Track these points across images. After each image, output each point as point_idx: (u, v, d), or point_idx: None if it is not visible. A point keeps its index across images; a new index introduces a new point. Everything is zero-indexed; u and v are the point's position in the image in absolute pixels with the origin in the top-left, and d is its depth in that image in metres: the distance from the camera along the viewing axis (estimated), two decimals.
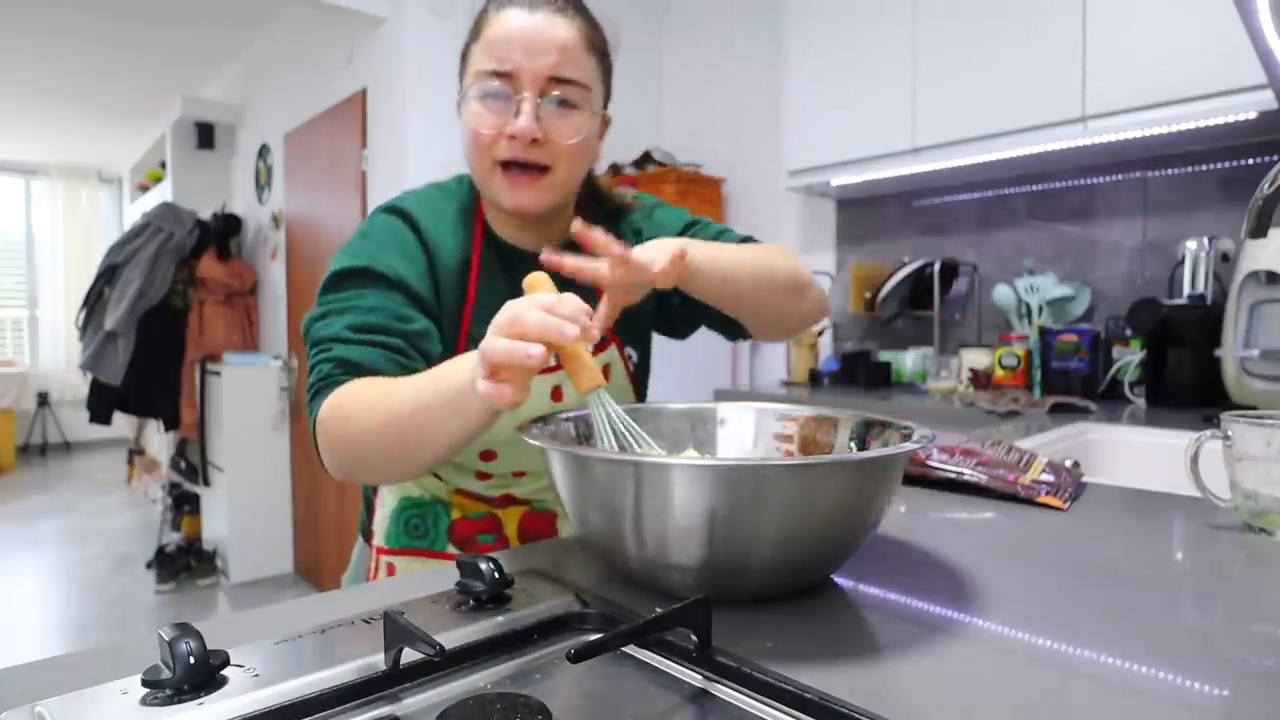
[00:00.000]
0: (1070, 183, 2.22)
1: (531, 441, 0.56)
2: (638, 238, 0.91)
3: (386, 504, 0.93)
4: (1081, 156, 2.07)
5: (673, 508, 0.49)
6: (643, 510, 0.50)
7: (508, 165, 0.77)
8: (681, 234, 0.92)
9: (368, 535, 0.97)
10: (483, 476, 0.88)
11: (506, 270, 0.84)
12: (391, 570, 0.91)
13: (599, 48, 0.81)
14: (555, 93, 0.76)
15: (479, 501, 0.91)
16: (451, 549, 0.91)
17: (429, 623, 0.44)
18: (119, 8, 3.62)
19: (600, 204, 0.93)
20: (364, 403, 0.66)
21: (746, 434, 0.73)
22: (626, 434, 0.61)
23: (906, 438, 0.60)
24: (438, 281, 0.80)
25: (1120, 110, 1.78)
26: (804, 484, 0.49)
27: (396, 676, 0.40)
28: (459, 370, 0.60)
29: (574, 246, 0.86)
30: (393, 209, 0.83)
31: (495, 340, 0.53)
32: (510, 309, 0.54)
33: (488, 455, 0.85)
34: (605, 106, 0.84)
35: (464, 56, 0.81)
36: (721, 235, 0.94)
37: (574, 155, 0.79)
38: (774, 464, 0.50)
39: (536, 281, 0.61)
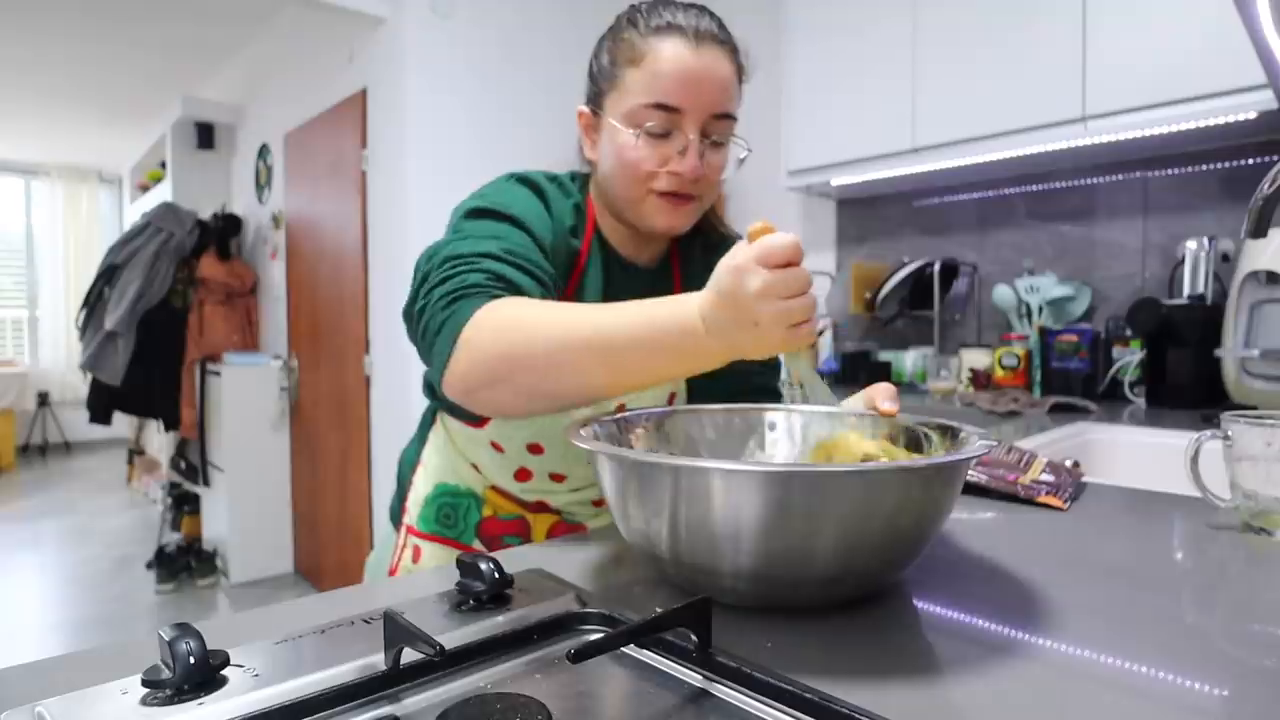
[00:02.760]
0: (1070, 183, 2.22)
1: (581, 444, 0.55)
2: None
3: (421, 489, 0.95)
4: (1081, 156, 2.07)
5: (731, 515, 0.47)
6: (694, 517, 0.48)
7: (663, 193, 0.79)
8: None
9: (398, 517, 0.98)
10: (522, 477, 0.88)
11: (607, 275, 0.86)
12: (418, 553, 0.93)
13: (743, 76, 0.83)
14: (714, 134, 0.78)
15: (512, 503, 0.92)
16: (478, 544, 0.91)
17: (429, 623, 0.44)
18: (119, 8, 3.62)
19: (701, 231, 0.95)
20: (540, 316, 0.63)
21: (795, 438, 0.71)
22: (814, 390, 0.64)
23: (945, 430, 0.61)
24: (554, 261, 0.81)
25: (1120, 110, 1.78)
26: (869, 489, 0.47)
27: (396, 676, 0.40)
28: (680, 312, 0.59)
29: (669, 263, 0.92)
30: (526, 180, 0.82)
31: (788, 304, 0.54)
32: (789, 280, 0.54)
33: (535, 448, 0.85)
34: None
35: (608, 74, 0.80)
36: None
37: (717, 184, 0.83)
38: (836, 470, 0.49)
39: (766, 230, 0.58)
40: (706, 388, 0.89)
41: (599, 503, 0.93)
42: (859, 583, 0.52)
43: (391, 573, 0.95)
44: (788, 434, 0.72)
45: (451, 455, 0.93)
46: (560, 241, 0.81)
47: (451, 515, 0.92)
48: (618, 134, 0.78)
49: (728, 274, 0.56)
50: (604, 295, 0.85)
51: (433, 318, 0.68)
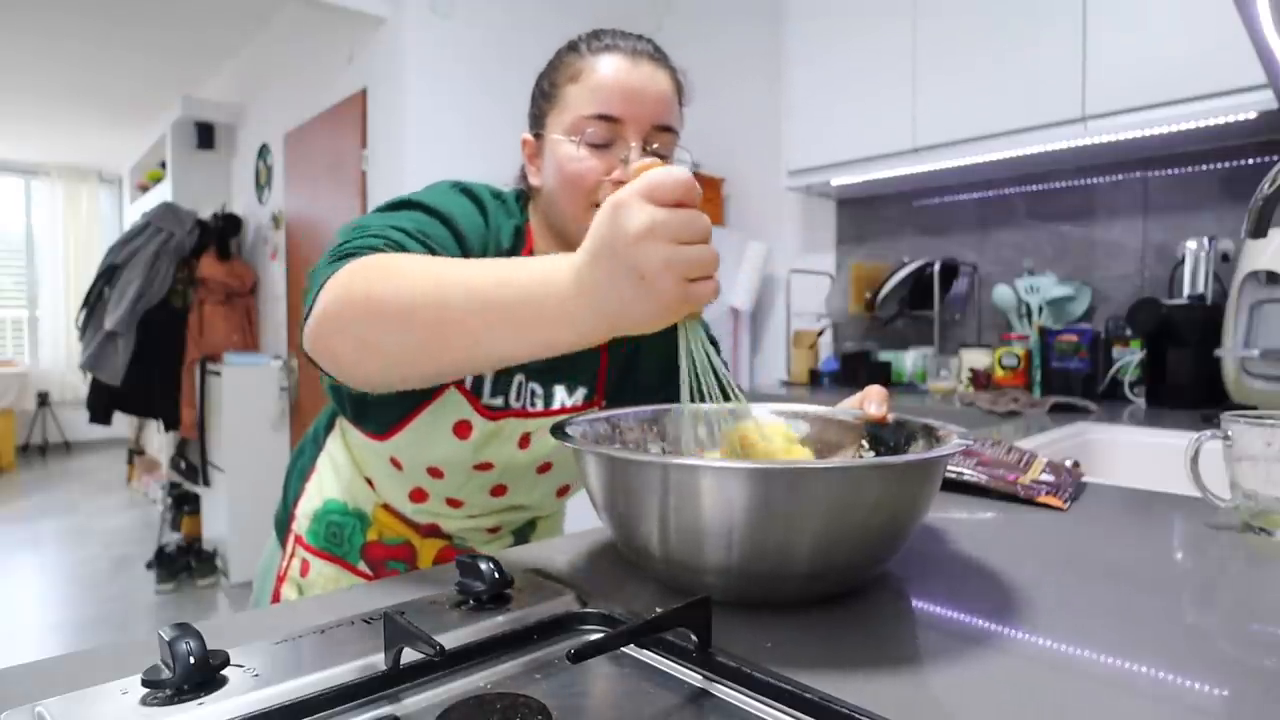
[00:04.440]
0: (1070, 183, 2.22)
1: (567, 444, 0.55)
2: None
3: (312, 500, 0.93)
4: (1081, 156, 2.07)
5: (713, 512, 0.48)
6: (679, 514, 0.49)
7: None
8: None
9: (284, 526, 0.96)
10: (417, 498, 0.86)
11: None
12: (306, 567, 0.91)
13: (682, 97, 0.83)
14: (655, 144, 0.78)
15: (402, 524, 0.90)
16: (363, 566, 0.90)
17: (429, 623, 0.44)
18: (119, 8, 3.62)
19: None
20: (415, 267, 0.55)
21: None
22: (711, 375, 0.55)
23: (929, 432, 0.61)
24: None
25: (1120, 110, 1.78)
26: (848, 486, 0.48)
27: (396, 676, 0.40)
28: (545, 268, 0.49)
29: None
30: (468, 190, 0.81)
31: (682, 250, 0.45)
32: (683, 220, 0.45)
33: (435, 472, 0.83)
34: None
35: (549, 95, 0.81)
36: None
37: None
38: (818, 466, 0.50)
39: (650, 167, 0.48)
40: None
41: (494, 530, 0.91)
42: (840, 578, 0.52)
43: (279, 579, 0.93)
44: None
45: (345, 467, 0.91)
46: (495, 252, 0.79)
47: (338, 535, 0.90)
48: (560, 147, 0.78)
49: (604, 212, 0.46)
50: None
51: (316, 276, 0.62)
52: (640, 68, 0.78)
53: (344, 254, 0.63)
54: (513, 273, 0.50)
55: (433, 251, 0.67)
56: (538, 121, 0.83)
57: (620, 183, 0.75)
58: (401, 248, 0.64)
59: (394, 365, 0.57)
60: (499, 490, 0.85)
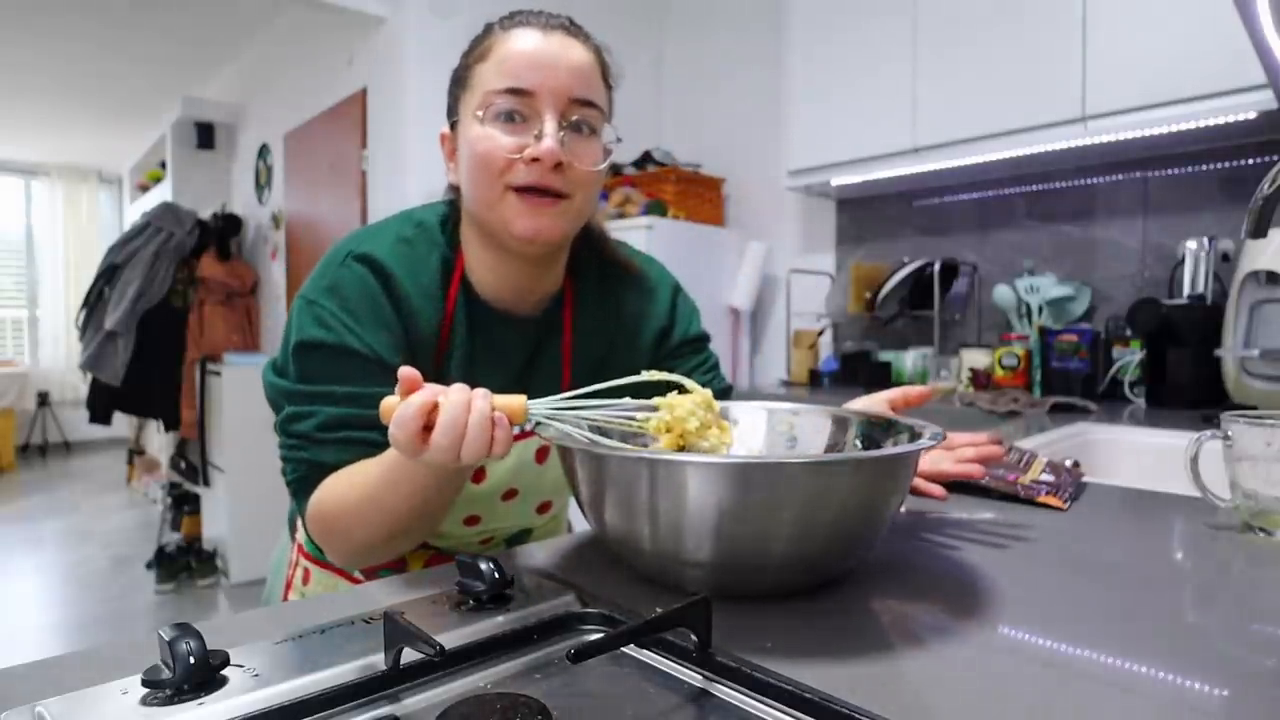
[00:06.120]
0: (1070, 183, 2.22)
1: (548, 439, 0.57)
2: (621, 306, 0.88)
3: None
4: (1081, 156, 2.07)
5: (691, 505, 0.50)
6: (660, 507, 0.51)
7: (522, 190, 0.71)
8: (671, 305, 0.92)
9: (293, 523, 0.96)
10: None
11: (479, 331, 0.79)
12: (308, 575, 0.90)
13: (608, 76, 0.77)
14: (575, 116, 0.72)
15: None
16: (358, 574, 0.88)
17: (429, 623, 0.44)
18: (119, 8, 3.62)
19: (597, 257, 0.88)
20: (342, 501, 0.69)
21: (759, 433, 0.74)
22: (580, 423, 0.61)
23: (915, 437, 0.61)
24: (411, 346, 0.76)
25: (1120, 110, 1.78)
26: (822, 481, 0.50)
27: (396, 676, 0.40)
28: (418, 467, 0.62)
29: (557, 314, 0.84)
30: (369, 260, 0.74)
31: (437, 446, 0.55)
32: (398, 437, 0.56)
33: None
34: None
35: (460, 79, 0.76)
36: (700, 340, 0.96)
37: (592, 183, 0.75)
38: (792, 461, 0.52)
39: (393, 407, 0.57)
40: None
41: (485, 541, 0.90)
42: (811, 570, 0.54)
43: (286, 586, 0.93)
44: (751, 428, 0.74)
45: None
46: (420, 327, 0.75)
47: None
48: (470, 129, 0.72)
49: None
50: (471, 350, 0.78)
51: (291, 495, 0.76)
52: (552, 38, 0.72)
53: (294, 484, 0.74)
54: (384, 462, 0.65)
55: (342, 440, 0.71)
56: (453, 111, 0.78)
57: (535, 160, 0.69)
58: (323, 466, 0.71)
59: (409, 544, 0.73)
60: (472, 520, 0.84)
